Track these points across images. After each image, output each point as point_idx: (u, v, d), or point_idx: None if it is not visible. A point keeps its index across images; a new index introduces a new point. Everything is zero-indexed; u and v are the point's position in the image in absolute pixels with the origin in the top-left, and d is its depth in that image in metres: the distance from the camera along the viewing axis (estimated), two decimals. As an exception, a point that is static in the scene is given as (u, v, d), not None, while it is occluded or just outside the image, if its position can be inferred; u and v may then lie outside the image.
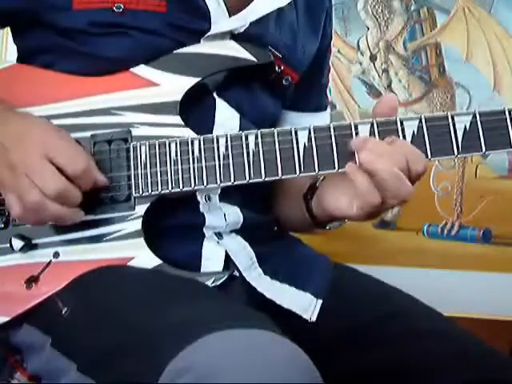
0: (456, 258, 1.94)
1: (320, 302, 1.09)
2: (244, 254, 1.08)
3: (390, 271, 1.89)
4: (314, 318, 1.08)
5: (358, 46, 1.99)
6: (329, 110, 1.32)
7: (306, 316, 1.08)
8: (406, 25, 1.98)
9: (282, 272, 1.10)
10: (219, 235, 1.07)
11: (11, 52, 1.17)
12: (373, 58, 1.99)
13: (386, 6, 1.98)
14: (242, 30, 1.09)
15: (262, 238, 1.12)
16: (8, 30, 1.16)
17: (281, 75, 1.14)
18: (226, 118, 1.08)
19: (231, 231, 1.08)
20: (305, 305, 1.08)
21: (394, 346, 1.04)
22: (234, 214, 1.08)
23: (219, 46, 1.07)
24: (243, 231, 1.09)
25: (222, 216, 1.07)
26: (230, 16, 1.08)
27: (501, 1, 1.92)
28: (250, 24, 1.09)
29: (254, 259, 1.08)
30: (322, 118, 1.28)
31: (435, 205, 1.95)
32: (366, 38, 1.99)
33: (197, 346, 0.76)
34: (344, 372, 1.04)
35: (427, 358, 1.01)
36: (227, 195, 1.07)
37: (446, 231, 1.96)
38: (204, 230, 1.06)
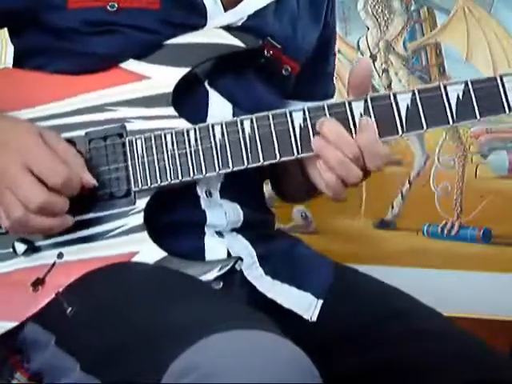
0: (456, 258, 1.94)
1: (320, 302, 1.08)
2: (245, 253, 1.08)
3: (390, 271, 1.89)
4: (314, 318, 1.08)
5: (358, 45, 1.99)
6: (335, 97, 1.33)
7: (306, 316, 1.08)
8: (406, 25, 1.98)
9: (282, 272, 1.09)
10: (220, 234, 1.07)
11: (11, 53, 1.17)
12: (373, 58, 1.99)
13: (386, 5, 1.98)
14: (239, 23, 1.08)
15: (262, 237, 1.12)
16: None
17: (278, 64, 1.14)
18: (219, 108, 1.07)
19: (232, 230, 1.09)
20: (305, 305, 1.08)
21: (394, 346, 1.04)
22: (234, 212, 1.08)
23: (207, 35, 1.06)
24: (244, 230, 1.09)
25: (222, 214, 1.07)
26: (225, 11, 1.08)
27: (501, 1, 1.92)
28: (248, 17, 1.09)
29: (255, 258, 1.08)
30: None
31: (435, 205, 1.95)
32: (366, 38, 1.99)
33: (199, 346, 0.76)
34: (344, 372, 1.04)
35: (427, 357, 1.01)
36: (228, 192, 1.07)
37: (446, 231, 1.96)
38: (205, 228, 1.06)
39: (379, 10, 1.98)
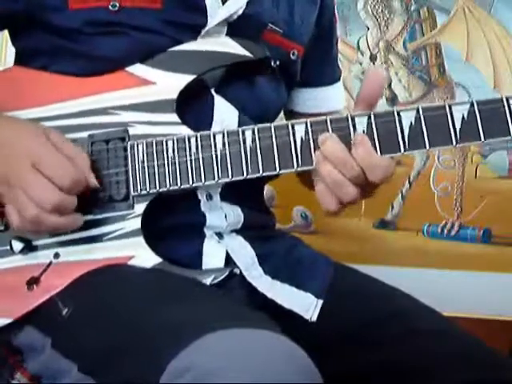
0: (456, 258, 1.94)
1: (321, 302, 1.08)
2: (245, 254, 1.08)
3: (390, 271, 1.89)
4: (314, 318, 1.08)
5: (358, 45, 2.00)
6: (341, 80, 1.34)
7: (306, 316, 1.07)
8: (406, 25, 1.98)
9: (282, 272, 1.09)
10: (219, 235, 1.07)
11: (11, 55, 1.17)
12: (373, 58, 1.99)
13: (386, 5, 1.98)
14: (240, 12, 1.08)
15: (262, 237, 1.12)
16: (7, 32, 1.16)
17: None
18: (224, 114, 1.07)
19: (231, 231, 1.09)
20: (305, 305, 1.08)
21: (394, 346, 1.04)
22: (234, 214, 1.08)
23: (214, 43, 1.06)
24: (244, 231, 1.09)
25: (222, 216, 1.07)
26: (223, 3, 1.07)
27: (501, 1, 1.92)
28: (247, 5, 1.08)
29: (255, 259, 1.08)
30: (337, 90, 1.31)
31: (435, 205, 1.95)
32: (366, 38, 2.00)
33: (196, 345, 0.76)
34: (344, 372, 1.04)
35: (427, 358, 1.01)
36: (228, 194, 1.07)
37: (445, 231, 1.96)
38: (205, 229, 1.06)
39: (379, 10, 1.98)
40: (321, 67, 1.27)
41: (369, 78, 0.96)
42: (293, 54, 1.17)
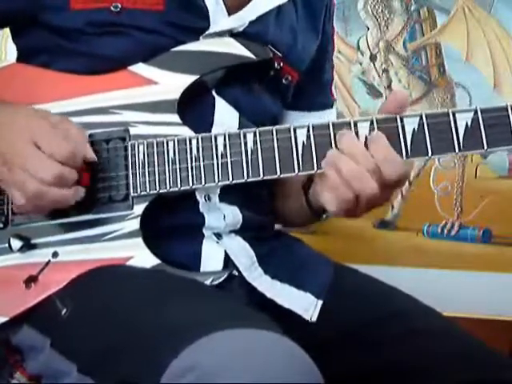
0: (456, 258, 1.94)
1: (320, 302, 1.08)
2: (244, 254, 1.08)
3: (390, 271, 1.89)
4: (314, 319, 1.08)
5: (358, 45, 1.99)
6: (335, 107, 1.31)
7: (306, 316, 1.07)
8: (406, 25, 1.98)
9: (282, 272, 1.09)
10: (218, 235, 1.07)
11: (11, 51, 1.17)
12: (373, 58, 1.99)
13: (386, 5, 1.98)
14: (241, 29, 1.09)
15: (261, 238, 1.12)
16: (8, 29, 1.16)
17: (280, 73, 1.14)
18: (225, 116, 1.07)
19: (230, 231, 1.08)
20: (305, 305, 1.08)
21: (394, 346, 1.04)
22: (233, 215, 1.08)
23: (218, 44, 1.07)
24: (242, 231, 1.09)
25: (221, 216, 1.07)
26: (229, 15, 1.08)
27: (501, 1, 1.92)
28: (250, 23, 1.09)
29: (255, 259, 1.08)
30: (326, 117, 1.27)
31: (435, 205, 1.95)
32: (366, 38, 1.99)
33: (199, 345, 0.76)
34: (344, 372, 1.04)
35: (427, 358, 1.01)
36: (227, 195, 1.07)
37: (445, 231, 1.96)
38: (203, 230, 1.06)
39: (379, 10, 1.98)
40: (312, 92, 1.24)
41: (390, 98, 0.97)
42: (285, 79, 1.16)
